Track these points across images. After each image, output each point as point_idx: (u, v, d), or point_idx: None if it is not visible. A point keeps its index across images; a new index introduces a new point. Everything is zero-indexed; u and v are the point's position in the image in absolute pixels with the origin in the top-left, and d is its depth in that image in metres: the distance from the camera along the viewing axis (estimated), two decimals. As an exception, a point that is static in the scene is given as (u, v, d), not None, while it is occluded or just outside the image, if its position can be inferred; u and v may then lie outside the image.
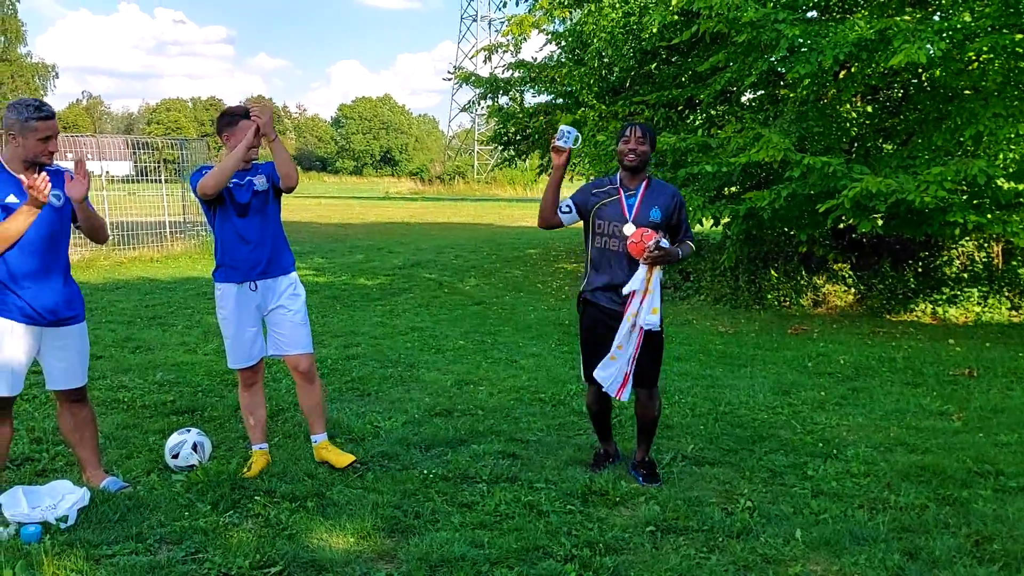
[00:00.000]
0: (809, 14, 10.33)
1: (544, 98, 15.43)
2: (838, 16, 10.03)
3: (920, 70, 9.33)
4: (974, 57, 8.86)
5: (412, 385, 6.52)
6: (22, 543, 3.54)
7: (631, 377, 4.37)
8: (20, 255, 3.85)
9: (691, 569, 3.46)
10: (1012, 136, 8.48)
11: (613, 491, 4.23)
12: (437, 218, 28.86)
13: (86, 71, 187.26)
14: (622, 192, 4.39)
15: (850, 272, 10.98)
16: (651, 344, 4.38)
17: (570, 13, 13.62)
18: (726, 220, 10.08)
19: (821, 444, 5.11)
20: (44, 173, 3.71)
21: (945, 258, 11.13)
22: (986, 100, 8.58)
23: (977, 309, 10.25)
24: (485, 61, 15.97)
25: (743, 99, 11.82)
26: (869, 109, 10.83)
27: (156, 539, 3.64)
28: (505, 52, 15.25)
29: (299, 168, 4.60)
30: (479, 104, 16.33)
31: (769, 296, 10.90)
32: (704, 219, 9.90)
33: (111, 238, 11.89)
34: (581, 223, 4.54)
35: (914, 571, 3.45)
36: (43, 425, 5.18)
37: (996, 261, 11.05)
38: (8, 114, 3.86)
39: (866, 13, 9.31)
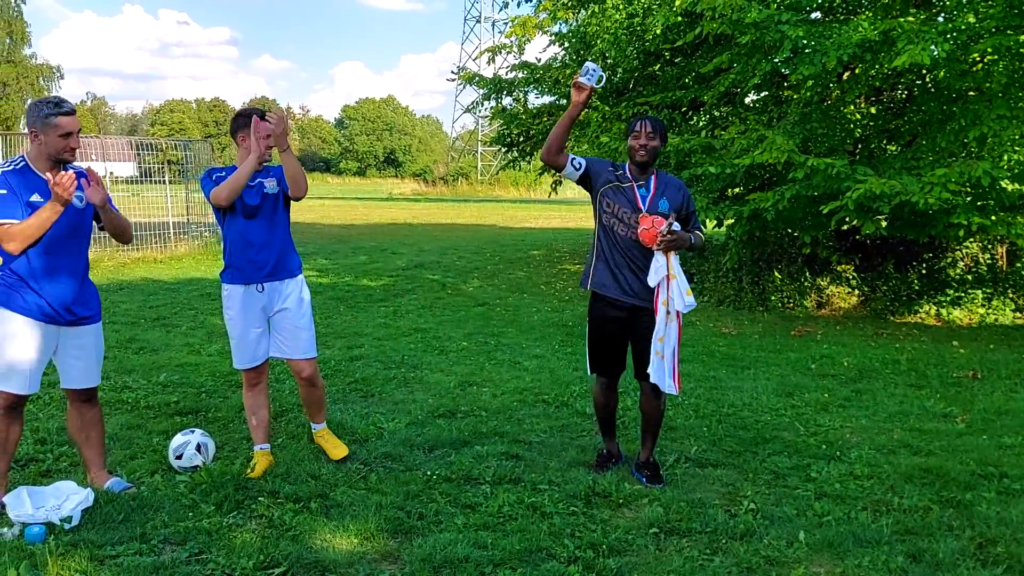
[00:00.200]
0: (813, 15, 10.32)
1: (547, 99, 15.44)
2: (842, 17, 10.02)
3: (924, 71, 9.33)
4: (978, 58, 8.85)
5: (415, 386, 6.53)
6: (26, 543, 3.54)
7: (678, 371, 4.38)
8: (42, 253, 3.90)
9: (694, 571, 3.46)
10: (1016, 138, 8.46)
11: (616, 493, 4.23)
12: (440, 219, 28.87)
13: (90, 72, 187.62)
14: (634, 183, 4.40)
15: (854, 274, 10.97)
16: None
17: (574, 14, 13.62)
18: (730, 221, 10.07)
19: (824, 446, 5.11)
20: (71, 171, 3.77)
21: (949, 260, 11.12)
22: (990, 101, 8.58)
23: (981, 311, 10.23)
24: (489, 63, 15.97)
25: (747, 100, 11.82)
26: (873, 110, 10.81)
27: (160, 540, 3.64)
28: (509, 53, 15.26)
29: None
30: (483, 105, 16.33)
31: (773, 298, 10.88)
32: (708, 220, 9.90)
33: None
34: (583, 190, 4.52)
35: (917, 574, 3.45)
36: (47, 426, 5.19)
37: (1000, 263, 11.03)
38: (30, 112, 3.92)
39: (870, 14, 9.30)
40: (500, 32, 52.51)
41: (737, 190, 11.19)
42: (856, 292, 10.84)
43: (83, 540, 3.58)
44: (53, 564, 3.34)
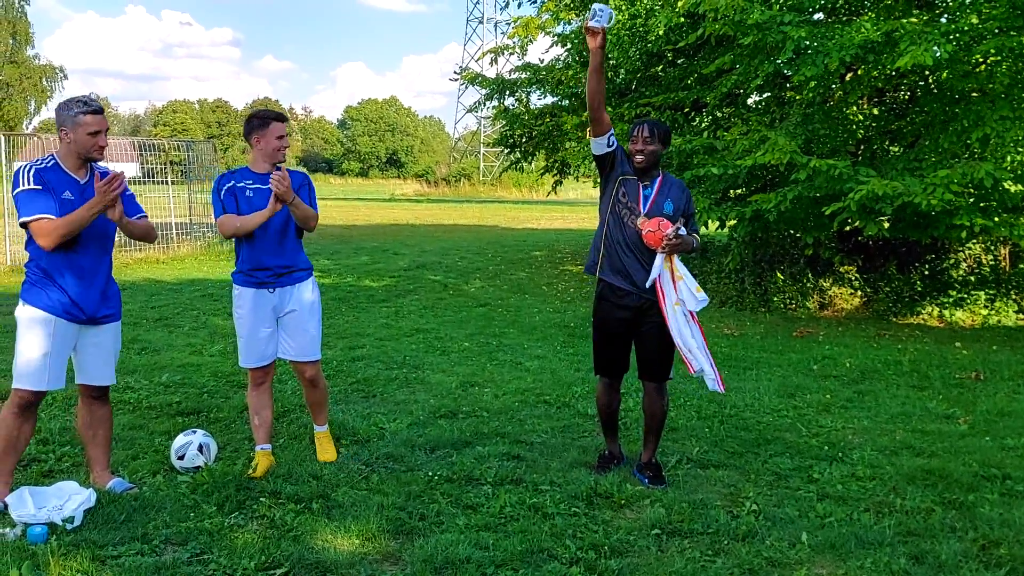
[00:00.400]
0: (815, 16, 10.32)
1: (550, 100, 15.44)
2: (844, 18, 10.02)
3: (927, 72, 9.31)
4: (981, 59, 8.84)
5: (417, 387, 6.53)
6: (28, 544, 3.55)
7: (714, 366, 4.37)
8: (70, 252, 3.96)
9: (696, 572, 3.45)
10: (1019, 139, 8.46)
11: (618, 493, 4.23)
12: (442, 220, 28.89)
13: (93, 73, 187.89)
14: (639, 183, 4.40)
15: (856, 275, 10.96)
16: (664, 338, 4.39)
17: (576, 15, 13.62)
18: (732, 222, 10.06)
19: (827, 447, 5.10)
20: (120, 173, 3.88)
21: (952, 261, 11.10)
22: (993, 102, 8.57)
23: (984, 312, 10.22)
24: (491, 63, 15.98)
25: (749, 101, 11.81)
26: (875, 111, 10.80)
27: (162, 540, 3.65)
28: (511, 54, 15.26)
29: (305, 170, 4.68)
30: (485, 104, 16.34)
31: (775, 299, 10.88)
32: (710, 221, 9.90)
33: (116, 239, 12.01)
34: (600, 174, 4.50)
35: (920, 575, 3.44)
36: (49, 426, 5.19)
37: (1003, 264, 11.02)
38: (59, 112, 3.99)
39: (872, 15, 9.29)
40: (503, 33, 52.57)
41: (739, 191, 11.18)
42: (858, 293, 10.83)
43: (85, 540, 3.58)
44: (55, 564, 3.34)
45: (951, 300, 10.41)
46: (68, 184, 3.96)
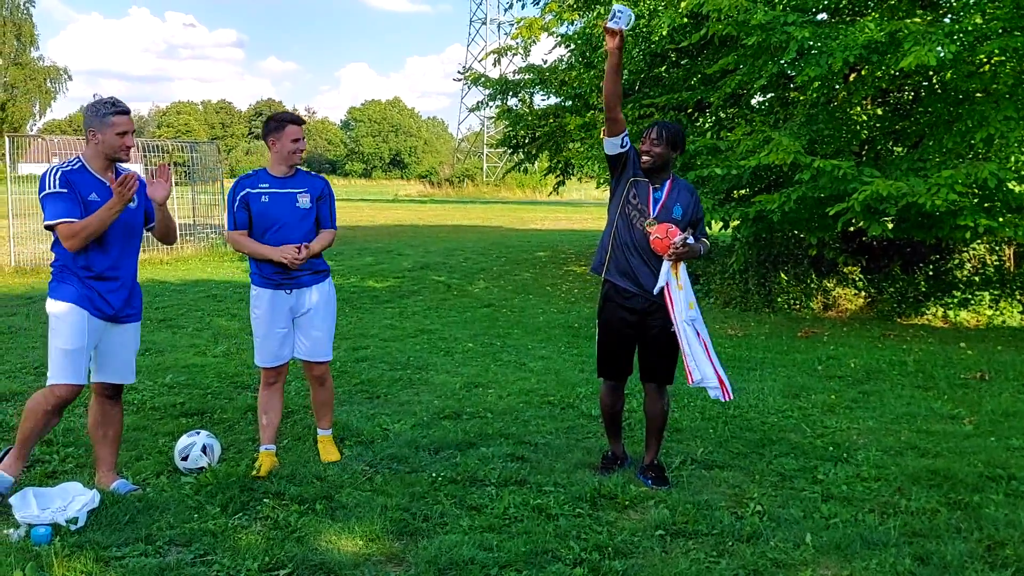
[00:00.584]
0: (819, 16, 10.31)
1: (553, 100, 15.45)
2: (848, 18, 10.00)
3: (931, 73, 9.30)
4: (985, 60, 8.82)
5: (421, 388, 6.53)
6: (32, 544, 3.55)
7: (723, 370, 4.36)
8: (98, 251, 4.03)
9: (701, 573, 3.45)
10: (1023, 139, 8.43)
11: (622, 495, 4.22)
12: (446, 221, 28.89)
13: (97, 74, 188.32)
14: (649, 185, 4.39)
15: (860, 275, 10.94)
16: (667, 342, 4.38)
17: (579, 16, 13.62)
18: (736, 223, 10.06)
19: (831, 448, 5.09)
20: (133, 173, 3.97)
21: (956, 261, 11.08)
22: (997, 103, 8.54)
23: (989, 312, 10.20)
24: (495, 64, 16.00)
25: (753, 102, 11.80)
26: (879, 112, 10.79)
27: (165, 541, 3.64)
28: (515, 55, 15.27)
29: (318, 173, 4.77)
30: (488, 105, 16.34)
31: (779, 299, 10.86)
32: (713, 222, 9.88)
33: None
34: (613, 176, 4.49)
35: (925, 576, 3.43)
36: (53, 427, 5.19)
37: (1008, 264, 11.00)
38: (87, 114, 4.08)
39: (876, 15, 9.27)
40: (506, 34, 52.56)
41: (743, 191, 11.17)
42: (863, 294, 10.81)
43: (89, 541, 3.58)
44: (59, 565, 3.35)
45: (956, 300, 10.39)
46: (94, 186, 4.02)
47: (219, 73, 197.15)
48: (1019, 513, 4.04)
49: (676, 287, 4.28)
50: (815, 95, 9.58)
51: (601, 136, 4.49)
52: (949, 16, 9.51)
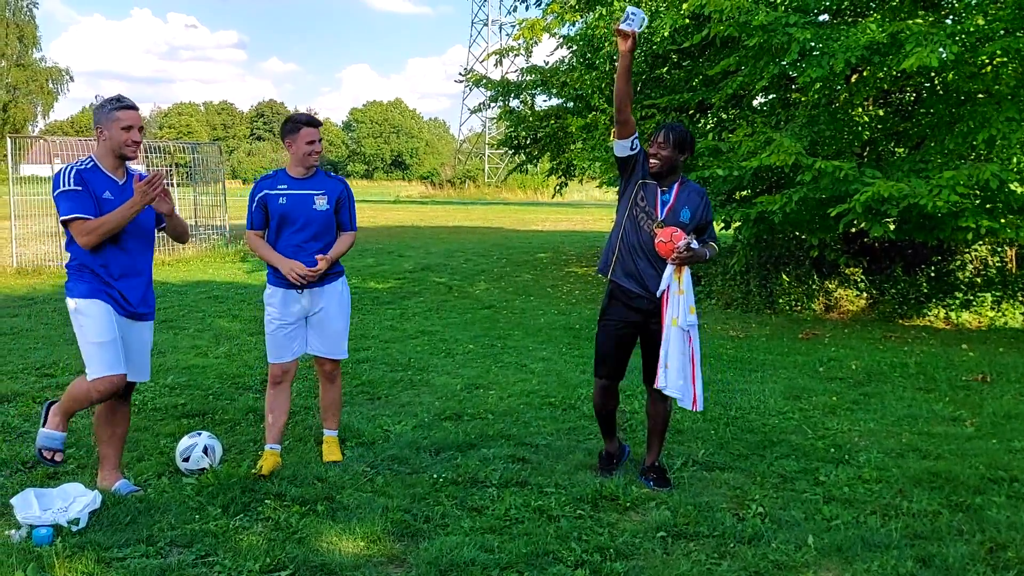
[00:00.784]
0: (820, 18, 10.30)
1: (555, 102, 15.44)
2: (850, 20, 10.00)
3: (932, 74, 9.29)
4: (987, 61, 8.81)
5: (422, 389, 6.53)
6: (34, 545, 3.55)
7: (701, 384, 4.37)
8: (116, 249, 4.07)
9: (702, 575, 3.44)
10: (1025, 140, 8.41)
11: (623, 496, 4.22)
12: (447, 222, 28.90)
13: (99, 75, 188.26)
14: (658, 187, 4.38)
15: (862, 276, 10.93)
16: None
17: (581, 17, 13.62)
18: (737, 224, 10.05)
19: (833, 449, 5.08)
20: (159, 173, 4.03)
21: (958, 263, 11.07)
22: (999, 104, 8.53)
23: (991, 314, 10.18)
24: (496, 65, 15.99)
25: (754, 103, 11.79)
26: (881, 113, 10.78)
27: (166, 542, 3.65)
28: (516, 56, 15.27)
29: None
30: (490, 106, 16.34)
31: (780, 300, 10.85)
32: (715, 223, 9.86)
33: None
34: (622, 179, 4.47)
35: (927, 578, 3.43)
36: (55, 428, 5.19)
37: (1010, 266, 10.98)
38: (95, 112, 4.15)
39: (878, 16, 9.27)
40: (507, 35, 52.53)
41: (744, 193, 11.16)
42: (864, 295, 10.80)
43: (90, 542, 3.59)
44: (60, 566, 3.35)
45: (957, 302, 10.38)
46: (107, 184, 4.07)
47: (221, 74, 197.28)
48: (1021, 515, 4.03)
49: (677, 291, 4.27)
50: (816, 96, 9.57)
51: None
52: (951, 17, 9.49)
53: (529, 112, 15.85)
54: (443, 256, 17.10)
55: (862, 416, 5.90)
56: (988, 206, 8.61)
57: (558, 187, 18.83)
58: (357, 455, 4.85)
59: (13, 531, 3.68)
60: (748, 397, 6.32)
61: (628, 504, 4.16)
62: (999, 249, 10.99)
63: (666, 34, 10.24)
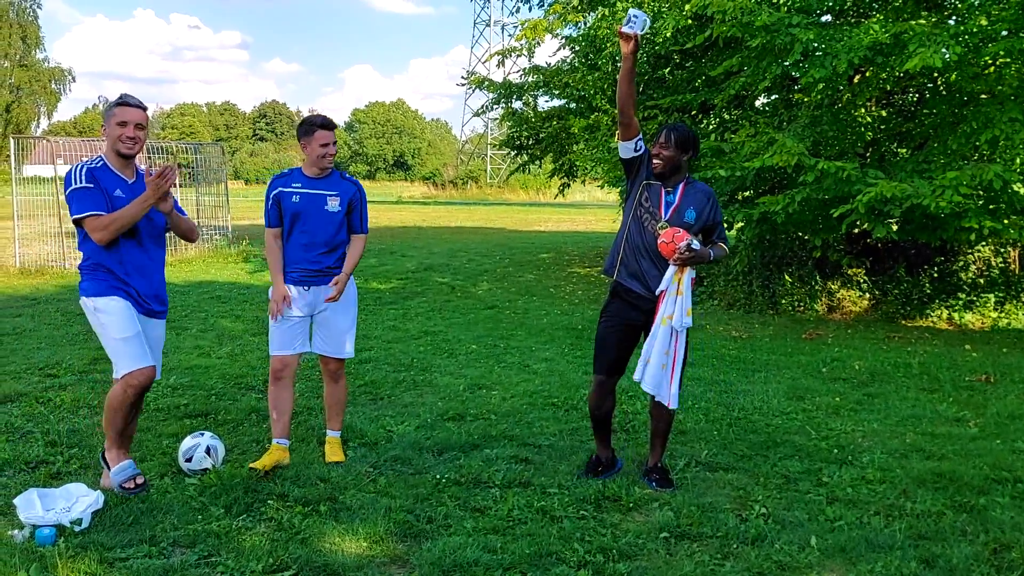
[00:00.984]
0: (823, 18, 10.29)
1: (557, 102, 15.44)
2: (853, 20, 9.99)
3: (935, 74, 9.28)
4: (990, 61, 8.80)
5: (425, 389, 6.52)
6: (36, 545, 3.55)
7: (679, 385, 4.37)
8: (129, 247, 4.10)
9: (705, 576, 3.44)
10: (1028, 140, 8.40)
11: (626, 497, 4.21)
12: (450, 222, 28.91)
13: (102, 76, 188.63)
14: (662, 188, 4.37)
15: (865, 277, 10.92)
16: None
17: (583, 17, 13.62)
18: (740, 225, 10.04)
19: (836, 450, 5.08)
20: (171, 165, 4.07)
21: (961, 263, 11.05)
22: (1002, 104, 8.52)
23: (994, 315, 10.17)
24: (498, 66, 15.99)
25: (757, 103, 11.78)
26: (884, 113, 10.77)
27: (169, 542, 3.65)
28: (519, 57, 15.28)
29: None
30: (492, 108, 16.34)
31: (783, 301, 10.84)
32: (719, 224, 9.86)
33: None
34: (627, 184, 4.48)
35: (931, 579, 3.42)
36: (58, 428, 5.20)
37: (1013, 266, 10.97)
38: (103, 114, 4.20)
39: (881, 17, 9.26)
40: (510, 35, 52.58)
41: (747, 193, 11.15)
42: (867, 295, 10.79)
43: (93, 542, 3.59)
44: (63, 566, 3.35)
45: (960, 302, 10.37)
46: (118, 183, 4.10)
47: (223, 75, 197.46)
48: (1025, 516, 4.02)
49: (675, 292, 4.26)
50: (819, 97, 9.56)
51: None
52: (954, 18, 9.48)
53: (531, 113, 15.86)
54: (446, 256, 17.10)
55: (865, 417, 5.89)
56: (991, 207, 8.61)
57: (561, 188, 18.84)
58: (360, 456, 4.85)
59: (16, 531, 3.68)
60: (751, 398, 6.32)
61: (631, 505, 4.15)
62: (1002, 250, 10.97)
63: (669, 35, 10.23)
